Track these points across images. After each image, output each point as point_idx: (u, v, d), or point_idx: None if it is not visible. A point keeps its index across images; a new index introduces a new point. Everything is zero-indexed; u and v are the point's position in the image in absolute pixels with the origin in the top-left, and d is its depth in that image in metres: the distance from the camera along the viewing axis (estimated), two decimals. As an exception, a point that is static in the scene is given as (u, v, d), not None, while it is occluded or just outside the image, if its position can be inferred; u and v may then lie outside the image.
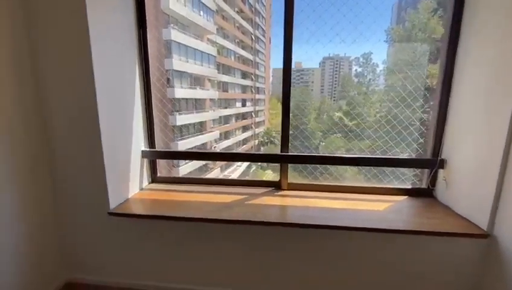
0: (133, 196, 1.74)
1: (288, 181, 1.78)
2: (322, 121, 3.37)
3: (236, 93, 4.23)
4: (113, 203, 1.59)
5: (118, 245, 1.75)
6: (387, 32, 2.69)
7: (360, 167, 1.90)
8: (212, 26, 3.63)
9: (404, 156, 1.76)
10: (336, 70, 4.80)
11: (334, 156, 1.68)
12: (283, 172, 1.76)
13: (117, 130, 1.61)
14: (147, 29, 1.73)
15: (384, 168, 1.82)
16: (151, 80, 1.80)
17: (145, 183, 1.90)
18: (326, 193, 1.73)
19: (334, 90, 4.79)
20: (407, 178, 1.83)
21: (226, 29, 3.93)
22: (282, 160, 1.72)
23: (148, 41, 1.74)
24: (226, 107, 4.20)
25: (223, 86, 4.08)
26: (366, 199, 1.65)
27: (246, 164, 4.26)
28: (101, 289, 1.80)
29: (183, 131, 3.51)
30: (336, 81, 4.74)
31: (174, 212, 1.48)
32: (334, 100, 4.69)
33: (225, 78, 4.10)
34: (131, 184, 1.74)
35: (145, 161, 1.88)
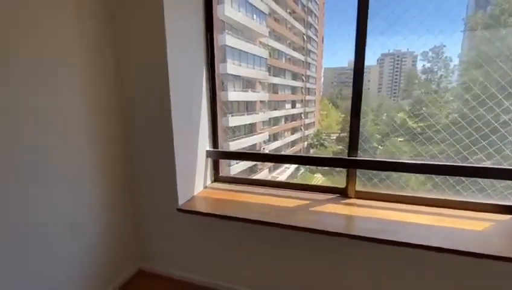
0: (198, 194, 1.82)
1: (356, 189, 1.63)
2: (381, 123, 3.06)
3: (286, 94, 4.17)
4: (181, 200, 1.69)
5: (183, 240, 1.85)
6: (464, 21, 2.31)
7: (427, 175, 1.64)
8: (264, 29, 3.64)
9: (507, 165, 1.44)
10: (397, 68, 4.36)
11: (414, 163, 1.47)
12: (350, 178, 1.62)
13: (186, 130, 1.70)
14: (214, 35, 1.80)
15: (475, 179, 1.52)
16: (216, 82, 1.86)
17: (208, 181, 1.97)
18: (401, 205, 1.53)
19: (395, 89, 4.34)
20: (510, 193, 1.50)
21: (278, 32, 3.90)
22: (351, 165, 1.58)
23: (214, 45, 1.81)
24: (275, 109, 4.17)
25: (273, 88, 4.07)
26: (455, 215, 1.40)
27: (294, 165, 4.15)
28: (166, 279, 1.92)
29: (235, 132, 3.60)
30: (396, 79, 4.29)
31: (238, 213, 1.49)
32: (394, 100, 4.26)
33: (276, 80, 4.07)
34: (196, 182, 1.83)
35: (209, 160, 1.95)
